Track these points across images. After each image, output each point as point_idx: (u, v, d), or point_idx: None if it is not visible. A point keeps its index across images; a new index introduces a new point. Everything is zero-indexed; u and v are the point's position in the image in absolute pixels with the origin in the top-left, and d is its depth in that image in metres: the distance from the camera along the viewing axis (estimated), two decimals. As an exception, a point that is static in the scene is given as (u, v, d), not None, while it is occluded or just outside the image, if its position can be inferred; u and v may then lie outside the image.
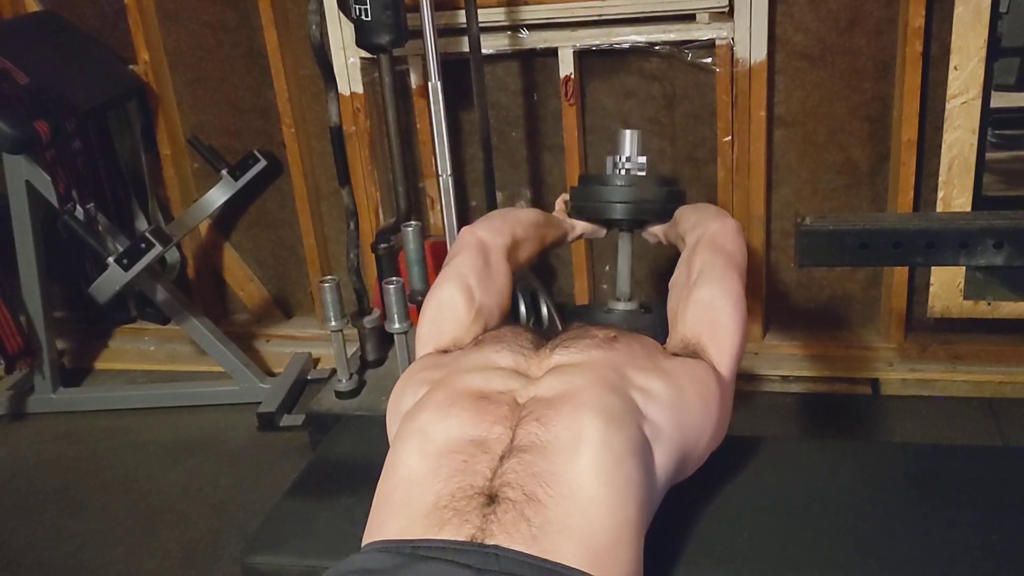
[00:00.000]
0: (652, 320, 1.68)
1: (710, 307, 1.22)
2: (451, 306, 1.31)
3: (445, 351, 1.26)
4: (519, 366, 1.12)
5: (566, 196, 1.74)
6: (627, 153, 1.67)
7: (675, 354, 1.18)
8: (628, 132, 1.67)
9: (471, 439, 0.99)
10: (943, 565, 1.04)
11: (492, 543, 0.88)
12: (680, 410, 1.07)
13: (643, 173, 1.67)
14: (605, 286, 2.43)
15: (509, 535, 0.89)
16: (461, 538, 0.89)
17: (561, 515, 0.90)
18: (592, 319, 1.70)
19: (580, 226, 1.70)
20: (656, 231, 1.65)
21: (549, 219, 1.64)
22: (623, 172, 1.67)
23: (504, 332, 1.21)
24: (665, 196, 1.63)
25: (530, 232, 1.52)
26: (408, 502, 0.96)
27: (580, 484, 0.93)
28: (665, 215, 1.61)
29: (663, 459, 1.03)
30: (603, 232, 1.73)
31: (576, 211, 1.68)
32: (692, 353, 1.18)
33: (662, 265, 2.28)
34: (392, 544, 0.93)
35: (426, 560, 0.88)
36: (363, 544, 0.98)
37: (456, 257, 1.38)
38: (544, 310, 2.25)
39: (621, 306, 1.71)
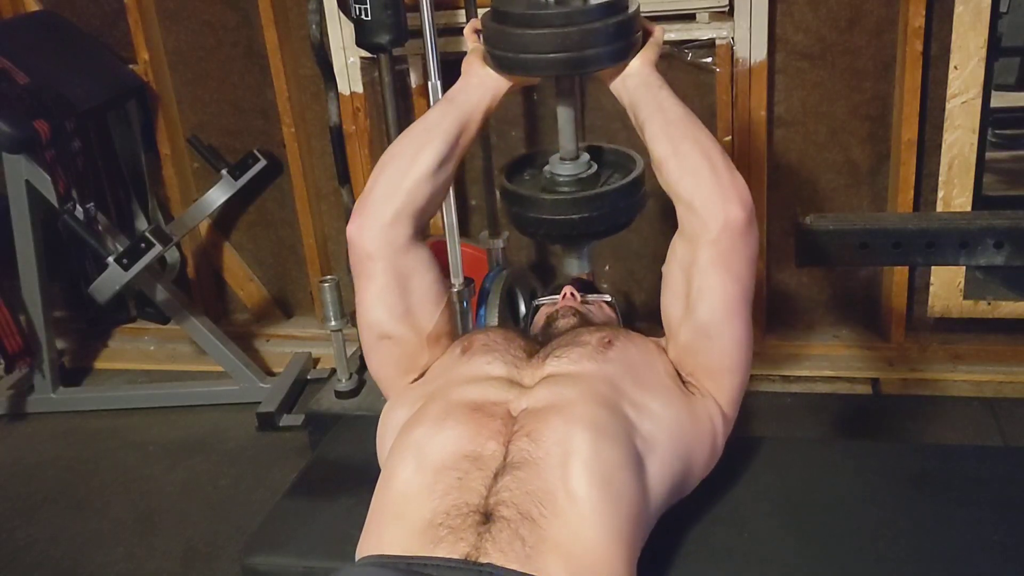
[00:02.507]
0: (611, 194, 1.25)
1: (711, 349, 1.10)
2: (395, 349, 1.18)
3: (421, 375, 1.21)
4: (512, 376, 1.11)
5: (478, 24, 1.24)
6: None
7: (676, 371, 1.15)
8: None
9: (465, 454, 0.98)
10: (943, 565, 1.04)
11: (486, 561, 0.88)
12: (675, 427, 1.06)
13: None
14: (606, 285, 2.43)
15: (503, 554, 0.89)
16: (456, 556, 0.89)
17: (554, 533, 0.91)
18: (534, 192, 1.28)
19: (502, 86, 1.20)
20: (612, 86, 1.21)
21: (451, 138, 1.17)
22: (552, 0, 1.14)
23: (496, 340, 1.18)
24: (612, 33, 1.15)
25: (437, 181, 1.17)
26: (404, 517, 0.96)
27: (572, 501, 0.93)
28: (616, 55, 1.17)
29: (656, 474, 1.02)
30: (536, 80, 1.32)
31: (493, 60, 1.18)
32: (690, 384, 1.14)
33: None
34: (387, 559, 0.93)
35: None
36: (357, 557, 0.98)
37: (368, 290, 1.16)
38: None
39: (568, 168, 1.27)
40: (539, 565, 0.88)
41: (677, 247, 1.13)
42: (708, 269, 1.07)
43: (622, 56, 1.17)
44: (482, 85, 1.21)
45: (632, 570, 0.95)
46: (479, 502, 0.94)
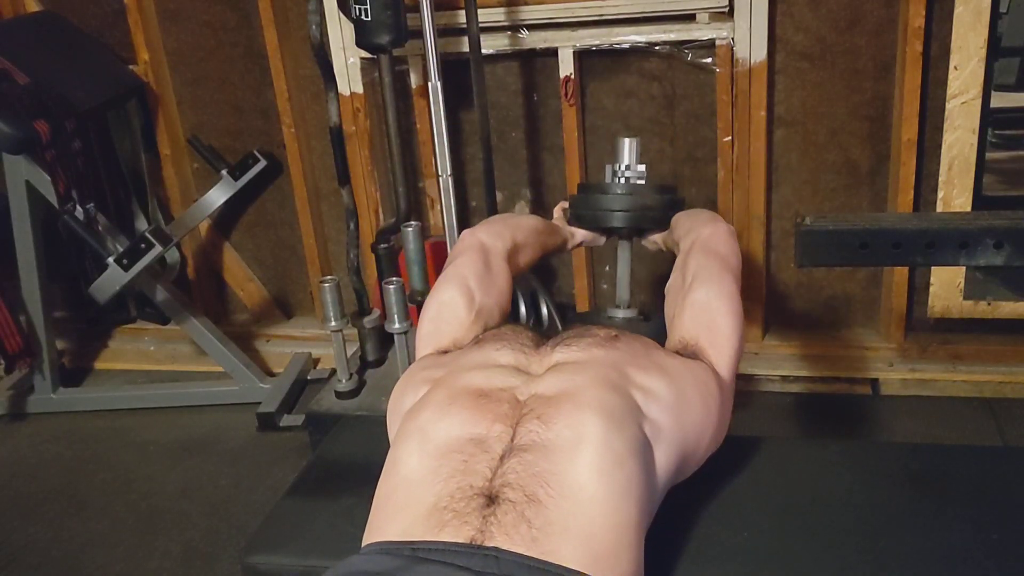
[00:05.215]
0: (651, 327, 1.67)
1: (706, 309, 1.23)
2: (451, 307, 1.31)
3: (445, 351, 1.26)
4: (520, 363, 1.12)
5: (565, 204, 1.75)
6: (626, 161, 1.69)
7: (677, 352, 1.18)
8: (627, 140, 1.69)
9: (471, 437, 0.99)
10: (943, 565, 1.04)
11: (492, 545, 0.88)
12: (681, 410, 1.07)
13: (642, 181, 1.69)
14: (605, 285, 2.43)
15: (509, 537, 0.88)
16: (461, 540, 0.89)
17: (561, 516, 0.90)
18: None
19: (580, 234, 1.71)
20: (655, 238, 1.67)
21: (549, 226, 1.65)
22: (622, 180, 1.69)
23: (505, 331, 1.21)
24: (664, 204, 1.64)
25: (530, 238, 1.54)
26: (408, 503, 0.95)
27: (581, 484, 0.92)
28: (664, 223, 1.62)
29: (663, 459, 1.03)
30: (603, 240, 1.75)
31: (575, 219, 1.69)
32: (691, 355, 1.18)
33: (662, 269, 2.28)
34: (392, 545, 0.92)
35: (425, 562, 0.88)
36: (363, 544, 0.98)
37: (457, 259, 1.39)
38: (544, 310, 2.25)
39: (621, 313, 1.75)
40: (546, 548, 0.88)
41: (678, 261, 1.40)
42: (699, 253, 1.33)
43: (665, 224, 1.61)
44: (565, 228, 1.71)
45: (640, 552, 0.95)
46: (484, 485, 0.93)
